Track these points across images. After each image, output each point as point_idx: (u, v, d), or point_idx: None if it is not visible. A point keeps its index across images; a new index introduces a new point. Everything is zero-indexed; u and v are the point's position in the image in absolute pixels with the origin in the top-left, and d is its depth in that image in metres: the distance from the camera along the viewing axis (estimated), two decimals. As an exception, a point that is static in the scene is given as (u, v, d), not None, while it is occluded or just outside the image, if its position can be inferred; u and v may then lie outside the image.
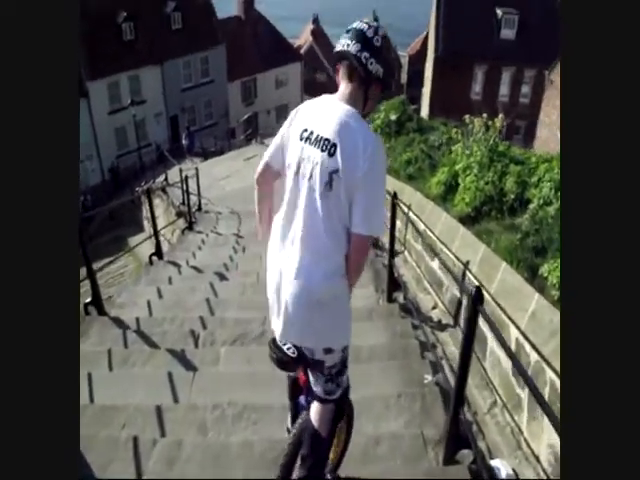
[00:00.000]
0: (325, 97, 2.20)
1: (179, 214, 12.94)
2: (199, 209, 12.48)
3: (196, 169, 12.66)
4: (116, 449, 3.02)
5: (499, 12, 31.40)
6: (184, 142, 27.70)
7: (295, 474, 2.38)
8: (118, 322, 5.11)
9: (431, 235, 5.79)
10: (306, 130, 2.12)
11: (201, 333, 4.70)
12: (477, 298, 2.48)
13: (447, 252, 5.19)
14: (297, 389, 2.62)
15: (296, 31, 48.88)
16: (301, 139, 2.12)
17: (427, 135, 10.80)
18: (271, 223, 2.30)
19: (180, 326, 4.97)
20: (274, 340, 2.30)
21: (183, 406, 3.53)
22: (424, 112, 29.48)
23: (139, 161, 27.67)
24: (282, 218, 2.17)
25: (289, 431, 2.63)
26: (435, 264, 5.63)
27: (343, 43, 2.08)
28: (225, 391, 3.63)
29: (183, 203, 13.24)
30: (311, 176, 2.06)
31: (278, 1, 55.90)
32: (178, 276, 6.71)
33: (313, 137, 2.08)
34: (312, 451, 2.34)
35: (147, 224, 17.79)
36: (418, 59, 41.80)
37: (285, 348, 2.24)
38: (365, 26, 2.07)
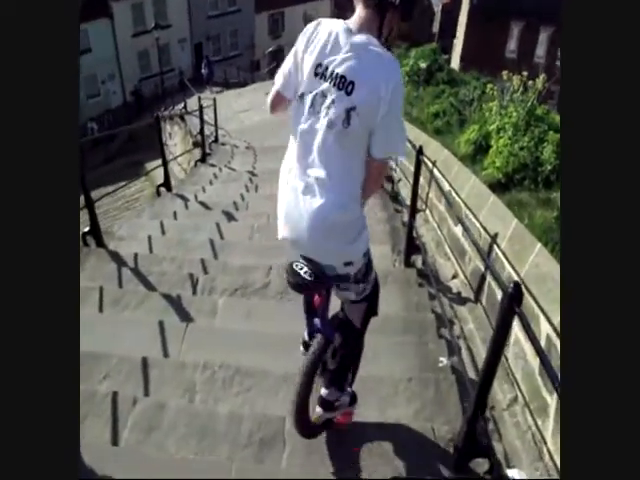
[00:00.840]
0: (339, 24, 2.04)
1: (195, 144, 12.56)
2: (215, 141, 12.00)
3: (214, 100, 12.04)
4: (92, 404, 2.73)
5: None
6: (203, 71, 27.01)
7: (327, 365, 2.49)
8: (115, 257, 4.80)
9: (456, 198, 5.36)
10: (320, 65, 2.01)
11: (200, 278, 4.37)
12: (515, 297, 2.06)
13: (473, 219, 4.78)
14: (312, 309, 2.58)
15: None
16: (316, 75, 2.03)
17: (458, 88, 10.25)
18: None
19: (179, 267, 4.65)
20: (290, 265, 2.28)
21: (172, 362, 3.23)
22: (454, 64, 28.29)
23: (161, 86, 27.01)
24: (294, 153, 2.14)
25: (305, 345, 2.60)
26: (458, 230, 5.22)
27: None
28: (219, 350, 3.32)
29: (201, 132, 12.87)
30: (327, 114, 2.00)
31: None
32: (184, 211, 6.35)
33: (328, 73, 1.99)
34: (346, 343, 2.44)
35: (166, 149, 17.49)
36: (452, 7, 40.17)
37: (302, 272, 2.23)
38: None
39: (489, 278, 4.31)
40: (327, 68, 1.99)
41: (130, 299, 4.06)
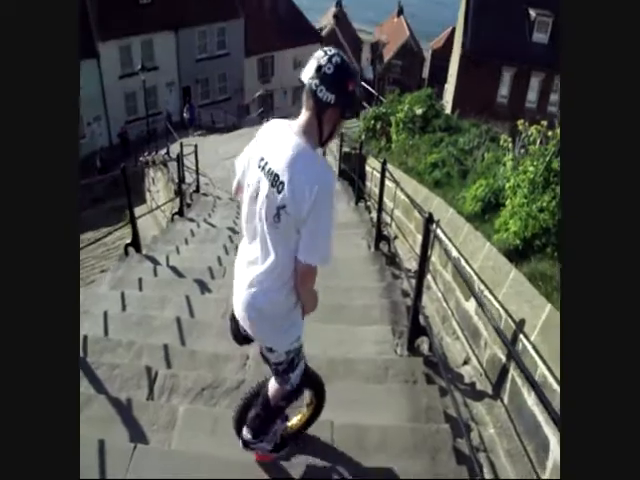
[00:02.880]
0: (284, 124, 2.23)
1: (177, 192, 11.87)
2: (196, 190, 11.24)
3: (195, 146, 11.34)
4: None
5: (532, 13, 29.48)
6: (185, 115, 26.69)
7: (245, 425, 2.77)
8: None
9: (467, 268, 4.62)
10: (262, 159, 2.19)
11: (160, 372, 3.55)
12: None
13: (490, 296, 4.03)
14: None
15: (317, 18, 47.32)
16: (258, 167, 2.20)
17: (457, 136, 9.67)
18: None
19: (136, 357, 3.84)
20: (233, 314, 2.52)
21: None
22: (446, 111, 28.08)
23: (147, 129, 26.50)
24: (244, 227, 2.33)
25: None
26: (471, 307, 4.45)
27: (304, 71, 2.12)
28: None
29: (182, 181, 12.20)
30: (262, 207, 2.14)
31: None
32: (152, 279, 5.51)
33: (267, 169, 2.15)
34: (261, 409, 2.70)
35: (149, 196, 16.88)
36: (442, 54, 40.56)
37: (240, 326, 2.49)
38: (321, 54, 2.11)
39: (513, 372, 3.54)
40: (267, 163, 2.15)
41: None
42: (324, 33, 41.20)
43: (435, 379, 3.85)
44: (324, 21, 46.75)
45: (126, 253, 6.30)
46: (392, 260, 6.49)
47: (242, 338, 2.58)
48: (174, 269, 5.64)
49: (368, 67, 46.86)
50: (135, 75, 26.66)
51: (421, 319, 4.19)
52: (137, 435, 3.02)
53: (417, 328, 4.19)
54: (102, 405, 3.20)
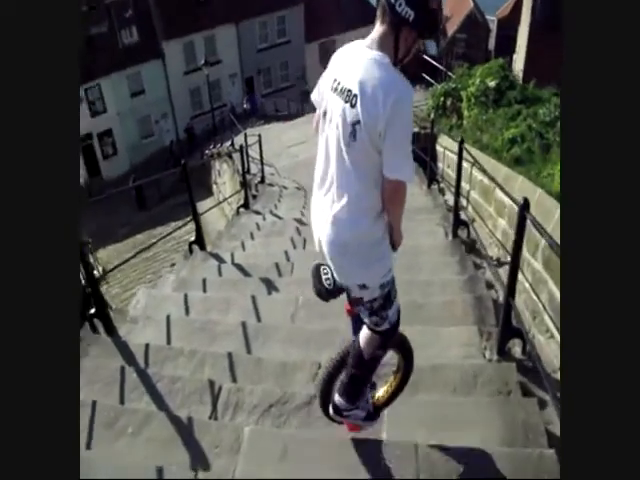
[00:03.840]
0: (357, 43, 2.14)
1: (242, 184, 11.69)
2: (262, 181, 10.97)
3: (259, 136, 11.03)
4: None
5: None
6: (245, 106, 26.61)
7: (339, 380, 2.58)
8: (123, 350, 3.76)
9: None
10: (335, 80, 2.11)
11: (224, 387, 3.24)
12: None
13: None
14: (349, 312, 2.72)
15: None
16: (331, 89, 2.12)
17: (535, 108, 8.92)
18: None
19: (199, 367, 3.55)
20: (317, 266, 2.46)
21: None
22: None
23: (212, 122, 26.71)
24: (319, 165, 2.22)
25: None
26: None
27: None
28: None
29: (247, 171, 11.99)
30: (337, 126, 2.06)
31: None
32: (216, 279, 5.23)
33: (339, 87, 2.07)
34: (355, 367, 2.49)
35: (215, 188, 16.89)
36: (508, 23, 38.60)
37: (324, 278, 2.40)
38: None
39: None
40: (339, 83, 2.07)
41: (128, 421, 2.97)
42: (385, 12, 40.10)
43: (532, 389, 3.35)
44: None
45: (190, 251, 6.07)
46: (472, 247, 5.95)
47: (327, 292, 2.45)
48: (239, 267, 5.33)
49: (431, 42, 45.32)
50: (199, 70, 26.99)
51: (513, 318, 3.68)
52: (198, 459, 2.72)
53: (509, 329, 3.68)
54: (162, 424, 2.93)
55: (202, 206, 16.98)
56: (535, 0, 27.92)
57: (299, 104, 25.28)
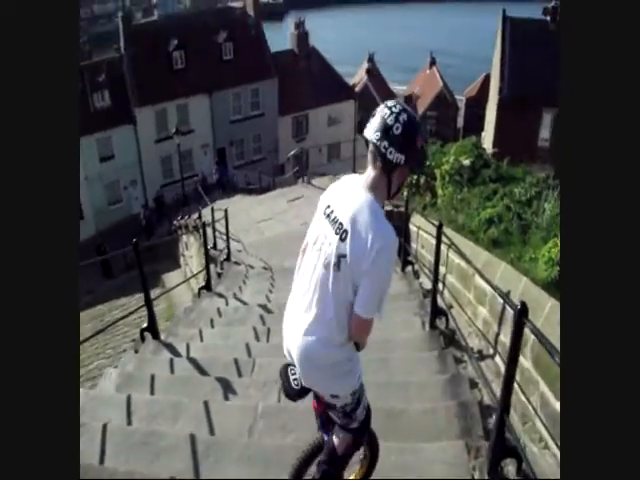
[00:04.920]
0: (354, 178, 2.30)
1: (205, 264, 11.18)
2: (227, 259, 10.45)
3: (225, 211, 10.59)
4: None
5: None
6: (214, 176, 26.44)
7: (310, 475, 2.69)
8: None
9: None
10: (329, 207, 2.26)
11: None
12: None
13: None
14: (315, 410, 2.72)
15: (350, 72, 47.54)
16: (324, 214, 2.27)
17: (510, 186, 8.74)
18: None
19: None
20: (286, 367, 2.48)
21: None
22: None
23: (182, 192, 26.37)
24: (302, 280, 2.34)
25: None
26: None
27: (369, 128, 2.12)
28: None
29: (214, 247, 11.48)
30: (325, 253, 2.18)
31: (331, 43, 55.16)
32: (167, 375, 4.59)
33: (332, 216, 2.21)
34: (327, 463, 2.55)
35: (183, 261, 16.35)
36: (476, 102, 39.95)
37: (292, 378, 2.42)
38: (387, 112, 2.08)
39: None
40: (332, 212, 2.23)
41: None
42: (357, 89, 41.18)
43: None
44: (357, 77, 46.90)
45: (142, 339, 5.44)
46: (451, 339, 5.49)
47: (296, 393, 2.46)
48: (194, 362, 4.72)
49: (402, 120, 46.34)
50: (170, 139, 26.83)
51: (508, 434, 3.18)
52: None
53: (502, 447, 3.17)
54: None
55: (169, 278, 16.46)
56: (502, 80, 29.01)
57: (271, 177, 25.18)
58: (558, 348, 2.95)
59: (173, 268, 16.93)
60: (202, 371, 4.58)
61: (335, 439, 2.55)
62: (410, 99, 48.41)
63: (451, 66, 53.95)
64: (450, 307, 6.16)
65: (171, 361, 4.76)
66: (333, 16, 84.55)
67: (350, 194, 2.19)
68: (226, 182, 27.10)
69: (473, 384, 4.49)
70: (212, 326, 6.13)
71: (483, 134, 34.21)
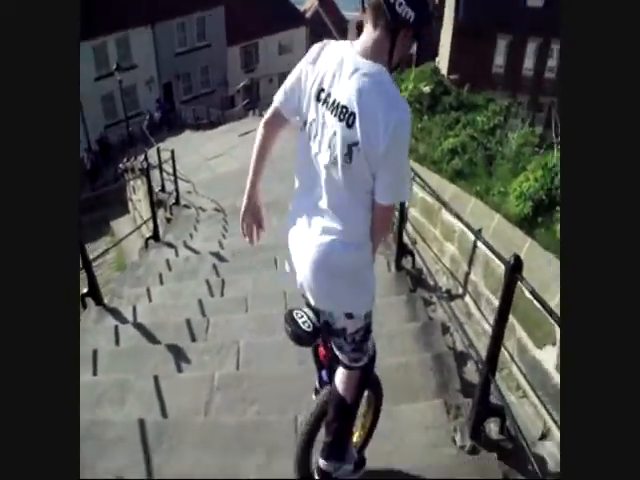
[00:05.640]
0: (345, 47, 1.91)
1: (158, 203, 10.56)
2: (176, 202, 9.83)
3: (171, 152, 9.87)
4: None
5: None
6: (155, 115, 25.24)
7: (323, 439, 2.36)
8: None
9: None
10: (323, 90, 1.90)
11: None
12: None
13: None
14: (319, 360, 2.56)
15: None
16: (318, 100, 1.91)
17: (473, 115, 8.36)
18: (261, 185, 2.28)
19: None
20: (290, 312, 2.25)
21: None
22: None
23: (127, 132, 25.09)
24: (301, 182, 2.10)
25: (317, 392, 2.61)
26: (548, 358, 3.19)
27: None
28: None
29: (162, 190, 10.86)
30: (329, 145, 1.89)
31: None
32: (112, 348, 4.07)
33: (330, 101, 1.87)
34: (338, 417, 2.32)
35: (131, 205, 15.65)
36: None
37: (300, 322, 2.20)
38: None
39: None
40: (329, 95, 1.89)
41: None
42: (308, 15, 39.50)
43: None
44: (308, 3, 44.88)
45: (84, 306, 4.91)
46: (418, 279, 5.19)
47: (308, 336, 2.19)
48: (142, 328, 4.24)
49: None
50: (112, 76, 25.24)
51: (492, 395, 2.89)
52: None
53: (486, 408, 2.88)
54: None
55: (119, 225, 15.74)
56: (458, 5, 28.13)
57: (220, 111, 24.12)
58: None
59: (122, 213, 16.20)
60: (151, 338, 4.12)
61: (341, 385, 2.30)
62: (362, 25, 46.80)
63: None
64: (414, 242, 5.84)
65: (116, 330, 4.26)
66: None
67: (348, 68, 1.84)
68: (173, 119, 25.88)
69: (445, 329, 4.22)
70: (161, 282, 5.61)
71: (437, 59, 33.49)
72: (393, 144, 1.79)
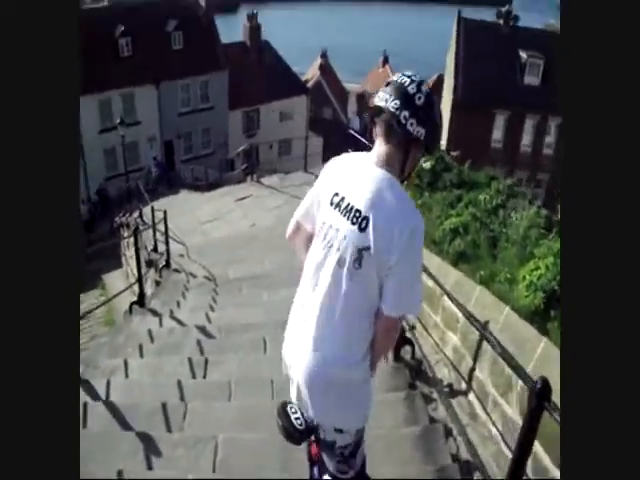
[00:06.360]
0: (359, 156, 2.00)
1: (149, 263, 10.23)
2: (166, 265, 9.51)
3: (164, 212, 9.62)
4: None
5: (523, 55, 29.15)
6: (153, 171, 25.48)
7: None
8: None
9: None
10: (337, 194, 1.94)
11: None
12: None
13: None
14: (311, 458, 2.42)
15: (303, 66, 46.65)
16: (331, 204, 1.94)
17: (475, 193, 8.15)
18: None
19: None
20: (284, 405, 2.15)
21: None
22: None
23: (126, 186, 25.03)
24: (305, 286, 2.04)
25: None
26: None
27: (381, 97, 1.88)
28: None
29: (154, 250, 10.58)
30: (339, 249, 1.89)
31: (284, 35, 54.41)
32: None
33: (343, 205, 1.90)
34: None
35: (124, 260, 15.32)
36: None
37: (293, 417, 2.09)
38: (407, 80, 1.86)
39: None
40: (343, 199, 1.90)
41: None
42: (310, 85, 40.47)
43: None
44: (310, 73, 46.15)
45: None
46: (417, 371, 4.83)
47: (300, 434, 2.09)
48: (113, 409, 3.83)
49: (355, 118, 46.13)
50: (115, 129, 25.43)
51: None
52: None
53: None
54: None
55: (110, 278, 15.34)
56: (457, 80, 28.88)
57: (218, 173, 24.15)
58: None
59: (116, 267, 15.83)
60: (122, 422, 3.70)
61: None
62: (363, 97, 48.07)
63: (402, 67, 53.71)
64: (413, 327, 5.50)
65: (85, 407, 3.86)
66: (286, 14, 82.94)
67: (362, 175, 1.89)
68: (173, 178, 25.96)
69: (447, 430, 3.84)
70: (141, 355, 5.18)
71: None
72: (406, 252, 1.79)
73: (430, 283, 5.52)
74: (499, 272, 4.98)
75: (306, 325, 1.98)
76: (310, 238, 2.10)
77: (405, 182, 1.97)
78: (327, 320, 1.92)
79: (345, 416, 2.06)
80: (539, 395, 2.02)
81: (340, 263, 1.87)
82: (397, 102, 1.83)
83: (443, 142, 28.24)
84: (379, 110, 1.87)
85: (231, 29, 40.20)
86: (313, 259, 1.98)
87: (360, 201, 1.84)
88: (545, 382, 2.02)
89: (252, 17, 33.31)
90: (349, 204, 1.87)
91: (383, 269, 1.82)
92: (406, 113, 1.82)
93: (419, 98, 1.83)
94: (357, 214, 1.83)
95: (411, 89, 1.83)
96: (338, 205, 1.91)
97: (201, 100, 31.16)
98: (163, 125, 30.21)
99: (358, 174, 1.90)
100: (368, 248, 1.80)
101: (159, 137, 30.42)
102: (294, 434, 2.10)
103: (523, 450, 2.20)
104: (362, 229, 1.82)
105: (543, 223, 6.46)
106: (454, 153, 11.96)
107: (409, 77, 1.86)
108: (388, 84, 1.90)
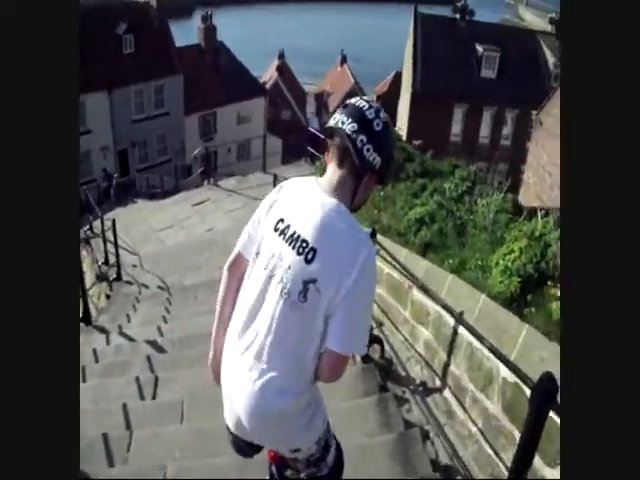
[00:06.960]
0: (308, 182, 1.85)
1: (100, 277, 9.68)
2: (118, 278, 8.96)
3: (112, 222, 9.05)
4: None
5: (479, 49, 29.63)
6: (102, 184, 24.78)
7: None
8: None
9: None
10: (282, 220, 1.80)
11: None
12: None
13: None
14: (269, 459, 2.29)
15: (259, 68, 46.12)
16: (275, 230, 1.81)
17: (440, 181, 7.98)
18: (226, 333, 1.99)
19: None
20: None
21: None
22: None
23: (79, 199, 24.13)
24: (241, 317, 1.87)
25: None
26: None
27: (337, 119, 1.78)
28: None
29: (105, 262, 10.03)
30: (281, 280, 1.74)
31: (240, 38, 53.86)
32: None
33: (289, 232, 1.77)
34: None
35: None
36: (387, 99, 39.93)
37: (247, 435, 1.96)
38: (365, 104, 1.78)
39: None
40: (289, 226, 1.78)
41: None
42: (268, 86, 40.02)
43: None
44: (267, 74, 45.67)
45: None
46: (387, 371, 4.50)
47: (250, 448, 2.03)
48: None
49: (314, 118, 45.92)
50: (64, 141, 24.51)
51: None
52: None
53: None
54: None
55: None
56: (415, 74, 28.92)
57: (175, 180, 23.51)
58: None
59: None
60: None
61: None
62: (321, 96, 47.87)
63: (359, 63, 53.74)
64: (380, 324, 5.17)
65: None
66: (241, 17, 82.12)
67: (310, 202, 1.77)
68: (129, 187, 25.17)
69: (423, 433, 3.51)
70: (84, 379, 4.66)
71: (398, 125, 34.21)
72: (356, 286, 1.67)
73: (396, 275, 5.21)
74: (469, 259, 4.77)
75: (246, 357, 1.83)
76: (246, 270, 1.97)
77: (355, 211, 1.83)
78: (271, 352, 1.77)
79: (297, 439, 1.94)
80: (545, 398, 1.66)
81: (283, 294, 1.73)
82: (354, 125, 1.73)
83: (403, 133, 28.33)
84: (334, 131, 1.78)
85: (186, 34, 39.22)
86: (252, 288, 1.83)
87: (307, 231, 1.72)
88: (551, 381, 1.67)
89: (206, 18, 32.58)
90: (295, 232, 1.75)
91: (330, 303, 1.69)
92: (363, 137, 1.72)
93: (377, 124, 1.74)
94: (304, 244, 1.72)
95: (369, 114, 1.75)
96: (283, 232, 1.78)
97: (155, 106, 30.24)
98: (116, 133, 29.16)
99: (306, 200, 1.78)
100: (314, 281, 1.69)
101: (112, 146, 29.38)
102: (244, 449, 2.04)
103: (525, 459, 1.84)
104: (308, 261, 1.70)
105: (510, 208, 6.28)
106: (416, 142, 11.79)
107: (367, 102, 1.79)
108: (345, 106, 1.80)
